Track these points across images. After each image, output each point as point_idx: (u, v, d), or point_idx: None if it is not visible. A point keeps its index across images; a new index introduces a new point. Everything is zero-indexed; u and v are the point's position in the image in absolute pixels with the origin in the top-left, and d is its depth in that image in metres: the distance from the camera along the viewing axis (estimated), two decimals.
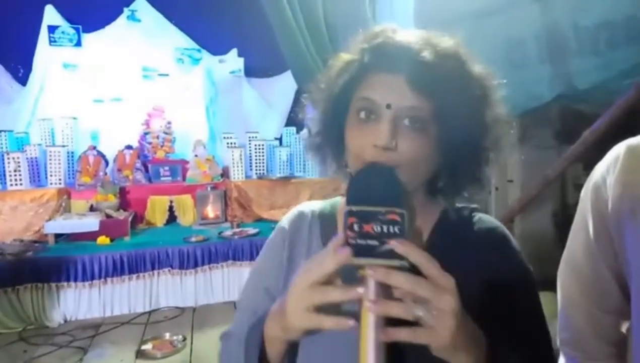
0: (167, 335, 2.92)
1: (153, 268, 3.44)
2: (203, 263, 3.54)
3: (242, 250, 3.64)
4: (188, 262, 3.51)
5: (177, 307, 3.48)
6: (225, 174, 4.68)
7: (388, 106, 0.61)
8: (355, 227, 0.50)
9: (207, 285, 3.55)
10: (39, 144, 4.37)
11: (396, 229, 0.50)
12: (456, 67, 0.63)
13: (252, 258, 3.64)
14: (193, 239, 3.67)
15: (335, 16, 3.42)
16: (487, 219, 0.74)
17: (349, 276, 0.52)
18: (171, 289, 3.48)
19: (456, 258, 0.61)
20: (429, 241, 0.70)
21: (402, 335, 0.50)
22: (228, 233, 3.86)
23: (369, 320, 0.50)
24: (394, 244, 0.49)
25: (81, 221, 3.68)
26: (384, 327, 0.50)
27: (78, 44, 5.27)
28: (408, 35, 0.65)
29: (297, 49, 3.39)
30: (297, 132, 5.03)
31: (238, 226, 4.07)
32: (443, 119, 0.61)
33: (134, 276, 3.39)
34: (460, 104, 0.61)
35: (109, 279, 3.33)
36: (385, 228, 0.50)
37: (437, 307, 0.49)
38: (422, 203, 0.71)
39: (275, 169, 4.73)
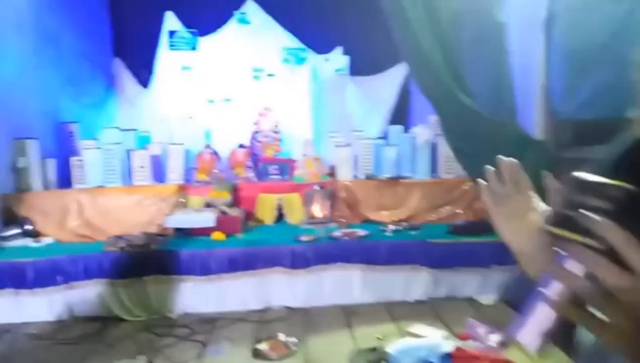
0: (282, 336, 2.87)
1: (265, 266, 3.43)
2: (314, 264, 3.46)
3: (354, 252, 3.50)
4: (299, 261, 3.46)
5: (287, 307, 3.44)
6: (331, 173, 4.60)
7: None
8: (572, 193, 0.47)
9: (317, 287, 3.47)
10: (160, 142, 4.64)
11: (608, 206, 0.44)
12: None
13: (363, 261, 3.49)
14: (304, 238, 3.62)
15: (457, 1, 3.16)
16: None
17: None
18: (282, 288, 3.45)
19: None
20: None
21: (570, 311, 0.46)
22: (337, 233, 3.75)
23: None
24: (594, 220, 0.43)
25: (198, 217, 3.81)
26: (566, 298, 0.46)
27: (194, 47, 5.54)
28: None
29: (413, 39, 3.18)
30: (405, 130, 4.80)
31: (347, 227, 3.95)
32: None
33: (247, 273, 3.42)
34: None
35: (224, 275, 3.39)
36: (598, 202, 0.45)
37: (622, 299, 0.42)
38: None
39: (383, 168, 4.54)
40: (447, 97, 3.18)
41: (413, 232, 3.84)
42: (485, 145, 3.22)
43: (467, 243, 3.61)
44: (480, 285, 3.54)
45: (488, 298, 3.47)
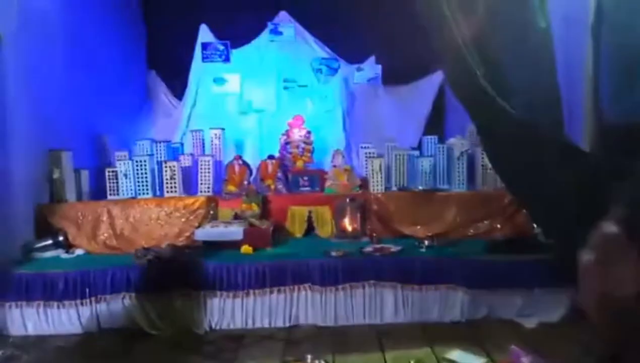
0: (309, 358, 2.74)
1: (294, 283, 3.32)
2: (344, 281, 3.32)
3: (386, 270, 3.34)
4: (329, 277, 3.33)
5: (315, 325, 3.31)
6: (363, 185, 4.46)
7: None
8: None
9: (347, 305, 3.32)
10: (191, 154, 4.64)
11: None
12: None
13: (396, 278, 3.32)
14: (333, 254, 3.48)
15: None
16: None
17: None
18: (311, 306, 3.33)
19: None
20: None
21: None
22: (369, 249, 3.60)
23: None
24: None
25: (227, 229, 3.75)
26: None
27: (227, 59, 5.55)
28: None
29: (449, 41, 3.00)
30: (440, 141, 4.61)
31: (378, 242, 3.79)
32: None
33: (275, 289, 3.31)
34: None
35: (251, 291, 3.30)
36: None
37: None
38: None
39: (417, 180, 4.36)
40: (485, 104, 2.98)
41: (449, 249, 3.64)
42: (527, 156, 3.00)
43: (508, 262, 3.38)
44: (523, 307, 3.30)
45: (531, 322, 3.23)
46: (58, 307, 3.25)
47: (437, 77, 5.53)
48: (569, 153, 3.05)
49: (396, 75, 5.71)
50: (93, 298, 3.26)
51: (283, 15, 5.62)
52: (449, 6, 2.97)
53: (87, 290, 3.25)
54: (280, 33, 5.63)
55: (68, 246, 3.82)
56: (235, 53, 5.56)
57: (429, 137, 4.70)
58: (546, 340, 3.03)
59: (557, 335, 3.07)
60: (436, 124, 5.49)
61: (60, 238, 3.78)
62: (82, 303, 3.26)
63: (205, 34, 5.54)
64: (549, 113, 3.05)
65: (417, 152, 4.57)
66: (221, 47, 5.54)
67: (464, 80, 3.08)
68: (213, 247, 3.68)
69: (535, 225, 3.82)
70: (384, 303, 3.33)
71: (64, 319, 3.27)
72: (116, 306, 3.26)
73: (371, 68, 5.71)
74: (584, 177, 3.09)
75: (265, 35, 5.62)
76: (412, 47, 5.25)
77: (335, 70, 5.66)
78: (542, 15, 3.03)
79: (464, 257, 3.44)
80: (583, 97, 3.32)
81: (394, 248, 3.60)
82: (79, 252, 3.79)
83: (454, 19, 2.96)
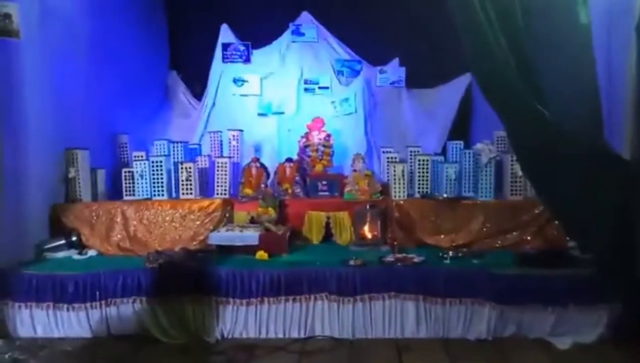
0: None
1: (310, 292, 3.18)
2: (363, 291, 3.15)
3: (407, 281, 3.16)
4: (346, 287, 3.17)
5: (332, 338, 3.15)
6: (384, 191, 4.29)
7: None
8: None
9: (366, 317, 3.15)
10: (209, 155, 4.55)
11: None
12: None
13: (417, 290, 3.14)
14: (352, 263, 3.32)
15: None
16: None
17: None
18: (327, 317, 3.18)
19: None
20: None
21: None
22: (389, 259, 3.43)
23: None
24: None
25: (242, 234, 3.63)
26: None
27: (247, 60, 5.48)
28: None
29: (482, 43, 2.82)
30: (466, 146, 4.41)
31: (400, 251, 3.61)
32: None
33: (291, 298, 3.17)
34: None
35: (265, 299, 3.17)
36: None
37: None
38: None
39: (441, 187, 4.17)
40: (520, 109, 2.80)
41: (475, 261, 3.44)
42: (563, 164, 2.79)
43: (539, 276, 3.16)
44: (555, 326, 3.07)
45: (565, 342, 3.00)
46: (68, 310, 3.19)
47: (463, 81, 5.35)
48: (609, 161, 2.84)
49: (420, 78, 5.56)
50: (103, 302, 3.18)
51: (305, 15, 5.52)
52: (482, 5, 2.79)
53: (98, 293, 3.18)
54: (302, 34, 5.53)
55: (81, 247, 3.76)
56: (256, 54, 5.49)
57: (455, 142, 4.51)
58: (581, 362, 2.80)
59: (593, 356, 2.86)
60: (462, 129, 5.29)
61: (74, 238, 3.73)
62: (92, 306, 3.19)
63: (226, 34, 5.48)
64: (587, 118, 2.84)
65: (441, 158, 4.38)
66: (242, 48, 5.48)
67: (497, 83, 2.89)
68: (227, 251, 3.57)
69: (568, 238, 3.59)
70: (405, 317, 3.16)
71: (74, 322, 3.20)
72: (126, 310, 3.18)
73: (394, 70, 5.56)
74: (624, 187, 2.87)
75: (286, 36, 5.53)
76: (437, 49, 5.12)
77: (358, 72, 5.54)
78: (583, 11, 2.82)
79: (491, 269, 3.23)
80: (624, 100, 3.09)
81: (416, 258, 3.42)
82: (91, 253, 3.73)
83: (488, 18, 2.79)
